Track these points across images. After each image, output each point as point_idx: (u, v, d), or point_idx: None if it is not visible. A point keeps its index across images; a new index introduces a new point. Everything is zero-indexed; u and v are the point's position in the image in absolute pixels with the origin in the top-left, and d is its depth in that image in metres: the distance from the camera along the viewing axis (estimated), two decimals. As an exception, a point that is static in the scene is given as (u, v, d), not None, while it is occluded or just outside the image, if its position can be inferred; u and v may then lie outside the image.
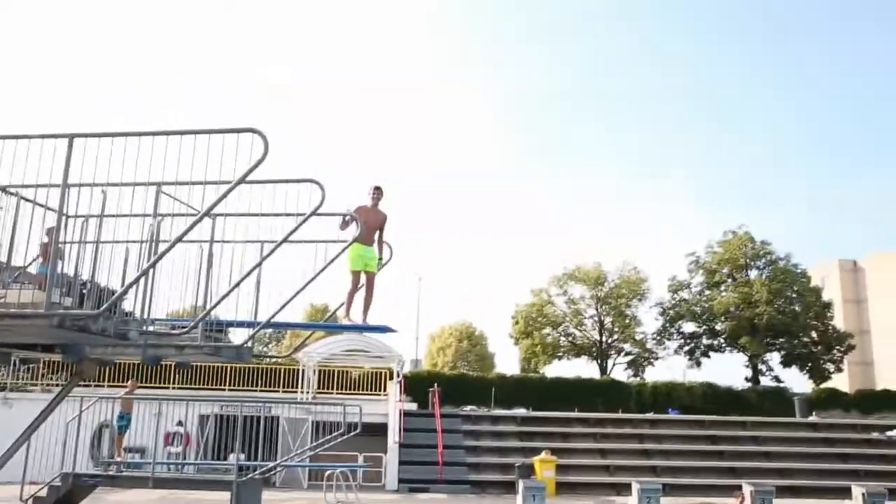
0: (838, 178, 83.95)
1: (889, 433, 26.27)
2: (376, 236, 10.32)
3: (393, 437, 22.52)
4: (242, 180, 6.61)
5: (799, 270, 39.98)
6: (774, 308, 37.39)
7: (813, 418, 29.22)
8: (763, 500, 17.89)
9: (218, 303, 8.07)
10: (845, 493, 19.74)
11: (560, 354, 41.87)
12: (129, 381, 18.24)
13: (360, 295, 10.31)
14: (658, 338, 41.68)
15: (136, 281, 7.23)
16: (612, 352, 41.76)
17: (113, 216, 7.81)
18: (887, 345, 51.02)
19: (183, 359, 9.95)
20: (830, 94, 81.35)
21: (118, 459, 16.06)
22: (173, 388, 25.44)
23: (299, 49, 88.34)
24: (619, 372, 41.15)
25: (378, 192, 10.28)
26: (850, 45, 76.73)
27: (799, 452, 24.53)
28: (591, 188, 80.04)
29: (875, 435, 26.31)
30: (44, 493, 14.01)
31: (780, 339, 38.75)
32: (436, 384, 26.68)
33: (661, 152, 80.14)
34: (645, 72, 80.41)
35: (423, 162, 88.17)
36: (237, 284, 8.08)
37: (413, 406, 26.10)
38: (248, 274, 8.31)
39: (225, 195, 6.67)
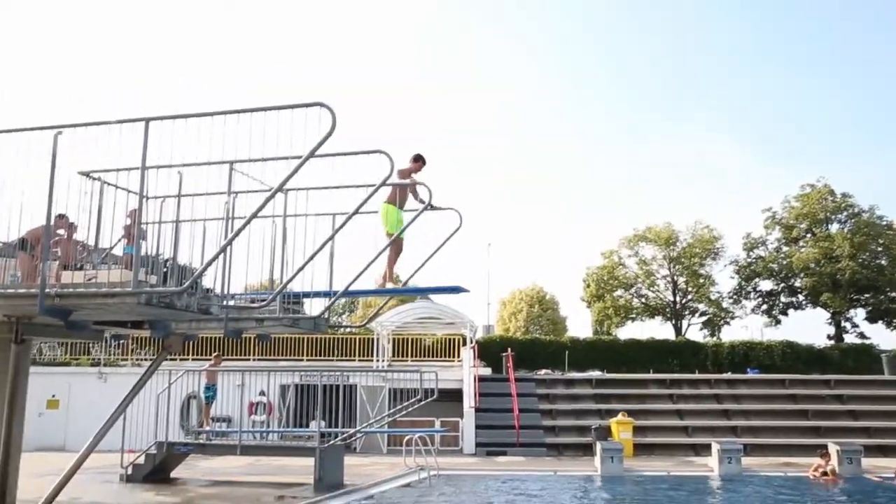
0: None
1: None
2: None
3: (468, 401, 22.78)
4: (313, 154, 6.74)
5: (885, 222, 38.31)
6: (858, 262, 36.02)
7: (902, 375, 28.16)
8: (850, 459, 17.49)
9: (294, 275, 8.28)
10: (938, 450, 19.11)
11: (633, 316, 41.47)
12: (214, 355, 18.94)
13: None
14: (734, 297, 40.81)
15: (216, 257, 7.49)
16: (687, 312, 41.12)
17: (190, 196, 8.09)
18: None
19: (263, 331, 10.31)
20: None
21: (207, 428, 16.77)
22: (254, 359, 26.30)
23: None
24: (695, 332, 40.57)
25: (424, 162, 10.51)
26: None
27: (887, 411, 23.68)
28: (658, 149, 78.17)
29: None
30: (141, 460, 14.82)
31: (866, 295, 37.39)
32: (509, 349, 26.81)
33: (731, 110, 77.50)
34: (708, 24, 77.59)
35: (489, 128, 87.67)
36: (312, 257, 8.27)
37: (487, 371, 26.30)
38: (322, 246, 8.49)
39: (297, 169, 6.82)
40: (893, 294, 37.41)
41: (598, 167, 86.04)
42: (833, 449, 17.91)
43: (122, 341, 25.55)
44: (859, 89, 69.33)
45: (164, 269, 8.02)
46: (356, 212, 8.38)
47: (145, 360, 25.18)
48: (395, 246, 10.19)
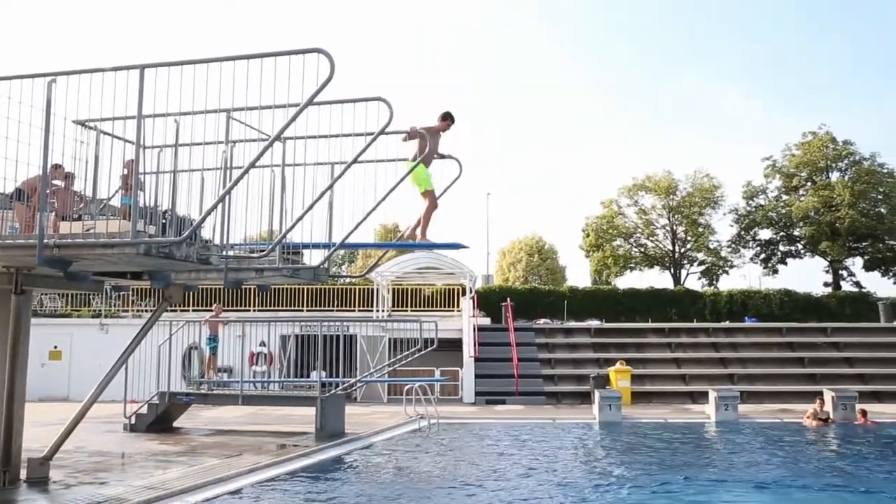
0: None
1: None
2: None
3: (468, 351, 22.95)
4: (311, 102, 6.63)
5: (885, 170, 38.10)
6: (857, 211, 35.95)
7: (898, 323, 28.35)
8: (845, 405, 17.72)
9: (293, 225, 8.23)
10: (932, 396, 19.35)
11: (632, 265, 41.56)
12: (215, 305, 19.00)
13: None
14: (733, 246, 40.83)
15: (214, 207, 7.42)
16: (686, 261, 41.21)
17: (187, 145, 7.98)
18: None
19: (263, 281, 10.30)
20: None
21: (214, 379, 16.92)
22: (254, 310, 26.40)
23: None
24: (693, 281, 40.72)
25: (452, 121, 10.17)
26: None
27: (883, 358, 23.91)
28: (660, 98, 77.33)
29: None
30: (144, 410, 14.96)
31: (864, 243, 37.40)
32: (508, 299, 26.90)
33: (732, 55, 76.42)
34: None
35: (491, 74, 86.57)
36: (311, 207, 8.21)
37: (486, 321, 26.43)
38: (321, 196, 8.42)
39: (294, 117, 6.71)
40: (892, 242, 37.41)
41: (599, 115, 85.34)
42: (828, 395, 18.13)
43: (122, 292, 25.62)
44: (863, 36, 68.28)
45: (163, 220, 7.96)
46: (355, 160, 8.28)
47: (146, 311, 25.28)
48: (433, 201, 10.03)
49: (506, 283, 45.87)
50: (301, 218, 8.31)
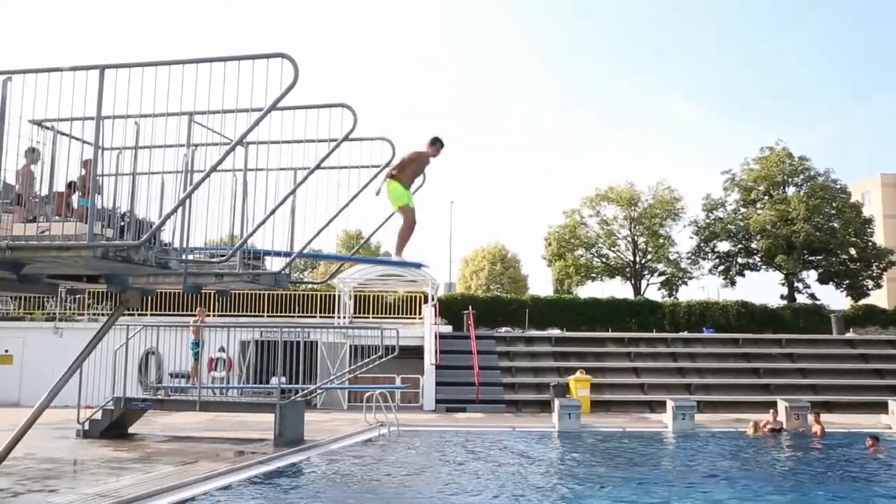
0: (883, 92, 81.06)
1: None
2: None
3: (429, 359, 22.94)
4: (274, 107, 6.60)
5: (839, 186, 39.03)
6: (812, 225, 36.74)
7: (850, 335, 29.06)
8: (797, 415, 18.13)
9: (255, 230, 8.17)
10: (881, 408, 19.82)
11: (593, 275, 41.87)
12: (199, 309, 18.87)
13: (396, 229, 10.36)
14: (692, 257, 41.41)
15: (174, 211, 7.34)
16: (646, 272, 41.64)
17: (147, 147, 7.88)
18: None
19: (223, 286, 10.18)
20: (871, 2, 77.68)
21: (195, 384, 16.83)
22: (214, 315, 26.05)
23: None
24: (653, 292, 41.17)
25: (442, 146, 10.11)
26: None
27: (834, 369, 24.51)
28: (622, 109, 78.43)
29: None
30: (98, 416, 14.67)
31: (818, 257, 38.23)
32: (470, 307, 26.94)
33: (695, 71, 77.90)
34: (680, -17, 77.34)
35: (456, 85, 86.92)
36: (272, 212, 8.16)
37: (448, 329, 26.43)
38: (283, 201, 8.37)
39: (258, 122, 6.67)
40: (844, 256, 38.33)
41: (563, 126, 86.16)
42: (781, 405, 18.51)
43: (78, 296, 25.12)
44: (820, 54, 70.06)
45: (121, 223, 7.83)
46: (318, 166, 8.25)
47: (102, 315, 24.79)
48: (409, 219, 9.95)
49: (468, 291, 45.93)
50: (263, 223, 8.25)
